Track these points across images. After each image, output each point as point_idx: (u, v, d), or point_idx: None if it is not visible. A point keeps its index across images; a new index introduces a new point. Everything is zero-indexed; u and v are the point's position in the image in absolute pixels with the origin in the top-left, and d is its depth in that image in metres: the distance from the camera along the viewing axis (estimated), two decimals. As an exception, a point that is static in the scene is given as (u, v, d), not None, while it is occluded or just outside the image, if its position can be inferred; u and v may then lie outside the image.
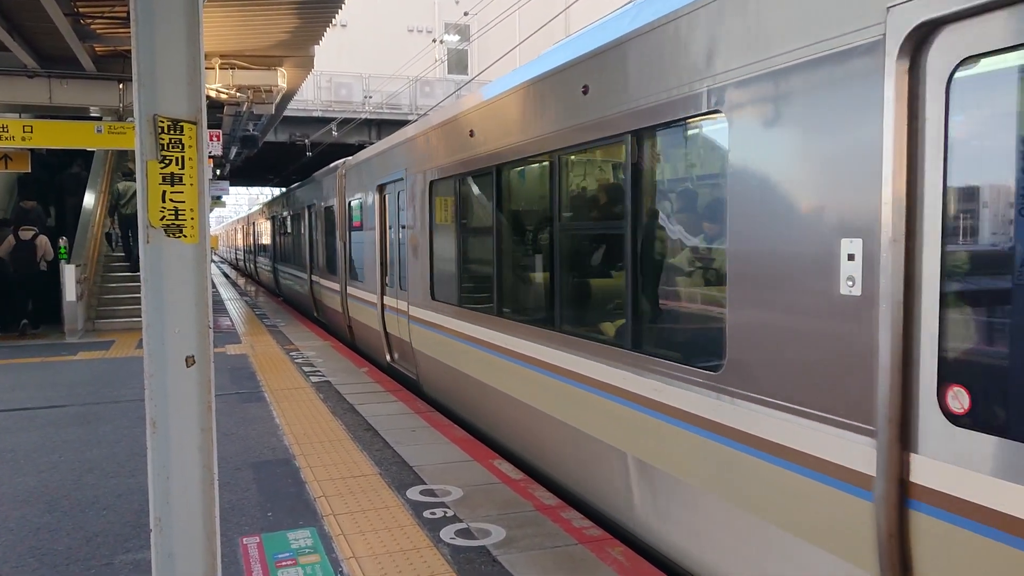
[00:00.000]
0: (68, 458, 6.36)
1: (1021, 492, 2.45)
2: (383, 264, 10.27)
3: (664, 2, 4.16)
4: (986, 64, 2.58)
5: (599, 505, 5.02)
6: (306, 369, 10.25)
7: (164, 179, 2.75)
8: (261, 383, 9.34)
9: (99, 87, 13.44)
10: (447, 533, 4.60)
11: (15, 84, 12.97)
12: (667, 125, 4.14)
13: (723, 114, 3.66)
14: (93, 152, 17.17)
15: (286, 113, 21.94)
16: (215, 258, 57.02)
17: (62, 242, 14.04)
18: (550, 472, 5.71)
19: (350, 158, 13.12)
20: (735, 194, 3.60)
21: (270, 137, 27.33)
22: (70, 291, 13.45)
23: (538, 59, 5.91)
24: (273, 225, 23.67)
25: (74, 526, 4.88)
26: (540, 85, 5.54)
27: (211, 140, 16.56)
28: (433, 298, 8.05)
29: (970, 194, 2.70)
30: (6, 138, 13.05)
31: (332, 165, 14.34)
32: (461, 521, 4.78)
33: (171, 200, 2.76)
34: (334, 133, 28.42)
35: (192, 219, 2.79)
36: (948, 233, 2.68)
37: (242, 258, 39.84)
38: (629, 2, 4.98)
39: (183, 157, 2.76)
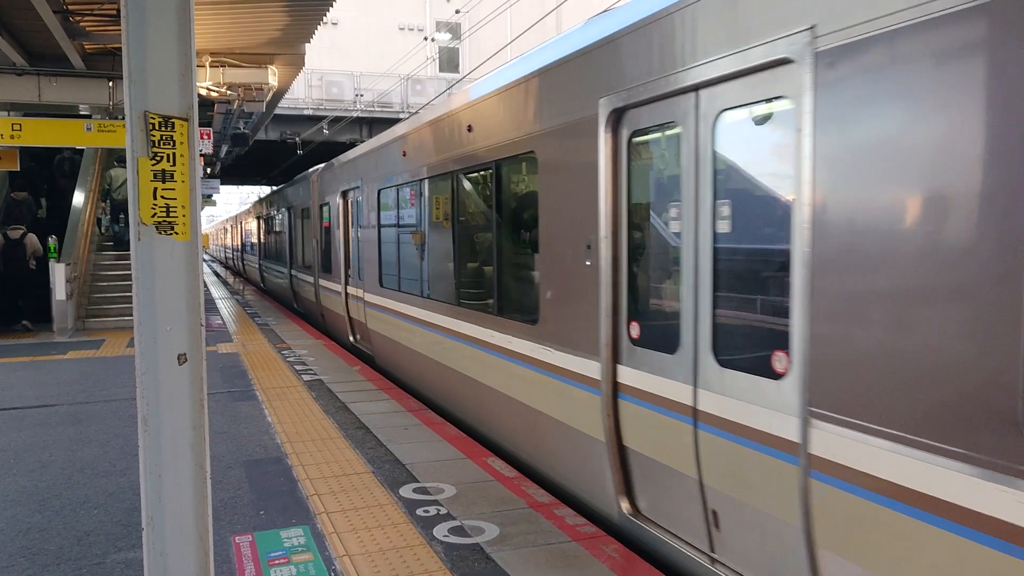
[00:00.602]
0: (59, 457, 6.33)
1: (663, 381, 4.16)
2: (346, 259, 12.01)
3: (510, 70, 6.09)
4: (642, 134, 4.38)
5: (472, 421, 7.06)
6: (298, 368, 10.23)
7: (155, 176, 2.73)
8: (253, 382, 9.31)
9: (89, 85, 13.37)
10: (440, 531, 4.59)
11: (3, 82, 12.89)
12: (510, 159, 6.02)
13: (536, 154, 5.43)
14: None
15: (277, 111, 21.87)
16: (206, 257, 56.91)
17: (51, 240, 13.97)
18: (451, 409, 7.61)
19: (321, 166, 14.71)
20: (542, 207, 5.37)
21: (261, 135, 27.25)
22: (60, 290, 13.38)
23: (441, 103, 7.87)
24: (257, 225, 25.71)
25: (65, 525, 4.85)
26: (444, 121, 7.41)
27: (201, 138, 16.49)
28: (381, 285, 9.89)
29: (644, 208, 4.46)
30: (-5, 136, 12.98)
31: (307, 172, 16.22)
32: (454, 519, 4.78)
33: (162, 197, 2.74)
34: (325, 131, 28.35)
35: (184, 216, 2.78)
36: (632, 231, 4.48)
37: (231, 256, 41.38)
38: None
39: (174, 154, 2.74)
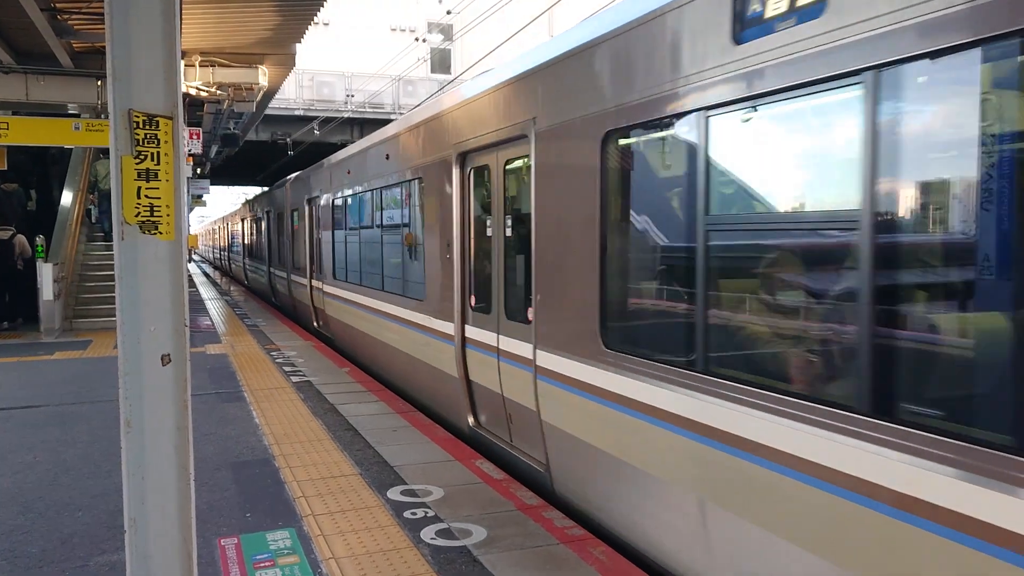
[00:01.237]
0: (44, 459, 6.27)
1: (484, 332, 6.33)
2: (311, 257, 14.29)
3: (404, 120, 8.86)
4: (474, 171, 6.68)
5: (388, 376, 9.45)
6: (287, 369, 10.19)
7: (139, 175, 2.70)
8: (241, 383, 9.26)
9: (77, 83, 13.29)
10: (428, 533, 4.57)
11: (-10, 80, 12.80)
12: (408, 182, 8.43)
13: (423, 179, 7.79)
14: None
15: (268, 111, 21.82)
16: (195, 257, 56.72)
17: (39, 241, 13.88)
18: (381, 372, 9.80)
19: (293, 176, 16.84)
20: (425, 218, 7.76)
21: (251, 136, 27.16)
22: (47, 290, 13.28)
23: (377, 133, 10.30)
24: (241, 227, 28.11)
25: (49, 528, 4.81)
26: (373, 149, 9.98)
27: (191, 138, 16.40)
28: (334, 277, 12.30)
29: (478, 219, 6.67)
30: (-19, 135, 12.87)
31: (281, 180, 18.60)
32: (442, 521, 4.76)
33: (146, 196, 2.71)
34: (316, 132, 28.26)
35: (168, 216, 2.74)
36: (472, 235, 6.72)
37: (219, 256, 42.73)
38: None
39: (158, 152, 2.71)
